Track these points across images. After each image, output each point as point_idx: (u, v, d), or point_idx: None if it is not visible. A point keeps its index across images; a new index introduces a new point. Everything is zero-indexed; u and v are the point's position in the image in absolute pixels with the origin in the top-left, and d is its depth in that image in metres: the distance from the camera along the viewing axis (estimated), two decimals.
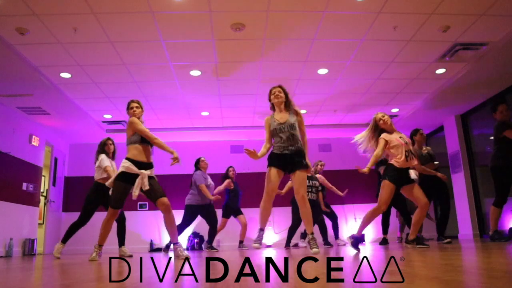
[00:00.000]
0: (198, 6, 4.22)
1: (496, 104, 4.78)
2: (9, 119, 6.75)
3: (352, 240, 3.92)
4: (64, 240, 5.00)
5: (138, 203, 8.56)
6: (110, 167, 5.01)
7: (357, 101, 7.16)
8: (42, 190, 8.08)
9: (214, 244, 6.40)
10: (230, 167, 6.94)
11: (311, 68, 5.78)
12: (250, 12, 4.38)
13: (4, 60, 5.03)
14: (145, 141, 3.80)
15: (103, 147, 5.21)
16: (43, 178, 8.09)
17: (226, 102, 7.07)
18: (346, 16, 4.49)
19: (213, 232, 6.21)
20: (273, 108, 4.05)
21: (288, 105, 3.99)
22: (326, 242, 6.63)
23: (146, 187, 3.66)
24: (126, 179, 3.69)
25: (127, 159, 3.73)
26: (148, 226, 8.48)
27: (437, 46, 5.20)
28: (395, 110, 7.71)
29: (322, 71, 5.90)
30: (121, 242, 5.33)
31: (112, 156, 5.26)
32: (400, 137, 4.01)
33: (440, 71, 5.95)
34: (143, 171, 3.69)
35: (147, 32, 4.68)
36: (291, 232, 6.35)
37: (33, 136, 7.43)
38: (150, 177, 3.76)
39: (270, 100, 4.05)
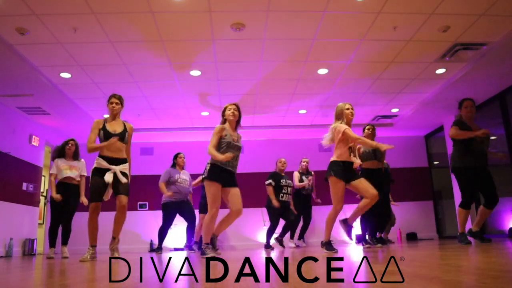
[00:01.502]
0: (198, 6, 4.22)
1: (462, 100, 4.53)
2: (9, 119, 6.75)
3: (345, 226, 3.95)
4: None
5: (138, 203, 8.56)
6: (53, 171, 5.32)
7: (357, 101, 7.15)
8: (42, 190, 8.08)
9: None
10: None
11: (311, 68, 5.78)
12: (250, 12, 4.38)
13: (4, 60, 5.03)
14: (109, 138, 3.90)
15: (63, 149, 5.39)
16: (43, 178, 8.09)
17: (226, 102, 7.05)
18: (346, 16, 4.48)
19: (192, 230, 6.14)
20: (224, 122, 4.16)
21: (237, 124, 4.21)
22: (281, 241, 6.50)
23: (108, 179, 3.79)
24: (100, 174, 3.84)
25: (99, 156, 3.91)
26: (148, 226, 8.47)
27: (437, 46, 5.20)
28: (395, 110, 7.71)
29: (322, 71, 5.90)
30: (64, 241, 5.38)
31: (73, 157, 5.41)
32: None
33: (440, 71, 5.95)
34: (113, 166, 3.84)
35: (147, 32, 4.68)
36: (269, 233, 6.37)
37: (33, 136, 7.43)
38: (123, 173, 3.89)
39: (224, 115, 4.18)
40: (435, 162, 9.35)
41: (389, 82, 6.35)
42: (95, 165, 3.87)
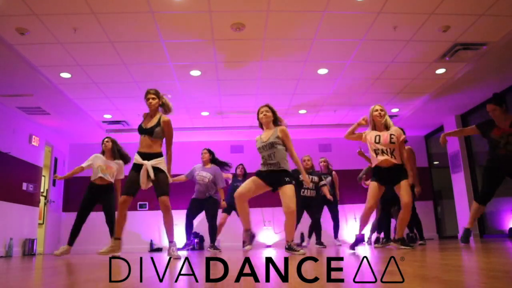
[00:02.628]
0: (198, 6, 4.22)
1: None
2: (9, 119, 6.75)
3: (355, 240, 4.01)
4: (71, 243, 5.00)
5: (138, 203, 8.56)
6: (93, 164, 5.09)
7: (357, 101, 7.16)
8: (42, 190, 8.08)
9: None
10: (240, 164, 6.81)
11: (311, 68, 5.78)
12: (250, 12, 4.38)
13: (4, 60, 5.03)
14: (143, 132, 3.84)
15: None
16: (43, 178, 8.09)
17: (226, 102, 7.06)
18: (346, 16, 4.48)
19: (213, 231, 6.03)
20: (261, 126, 4.06)
21: (275, 123, 4.00)
22: (319, 242, 6.53)
23: (144, 176, 3.72)
24: (136, 169, 3.80)
25: (137, 152, 3.88)
26: (148, 226, 8.48)
27: (437, 46, 5.20)
28: (395, 110, 7.71)
29: (322, 71, 5.90)
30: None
31: (112, 155, 5.15)
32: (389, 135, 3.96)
33: (440, 71, 5.95)
34: (145, 161, 3.75)
35: (147, 32, 4.68)
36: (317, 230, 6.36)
37: (33, 136, 7.42)
38: (156, 168, 3.76)
39: (258, 119, 4.04)
40: (435, 162, 9.35)
41: (389, 82, 6.35)
42: (133, 161, 3.87)
